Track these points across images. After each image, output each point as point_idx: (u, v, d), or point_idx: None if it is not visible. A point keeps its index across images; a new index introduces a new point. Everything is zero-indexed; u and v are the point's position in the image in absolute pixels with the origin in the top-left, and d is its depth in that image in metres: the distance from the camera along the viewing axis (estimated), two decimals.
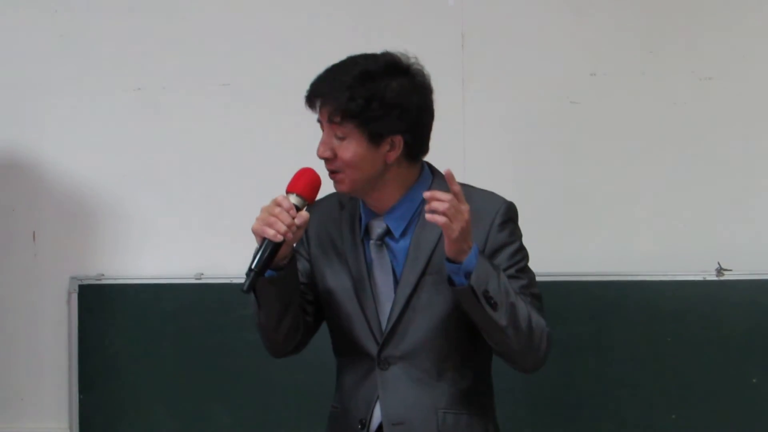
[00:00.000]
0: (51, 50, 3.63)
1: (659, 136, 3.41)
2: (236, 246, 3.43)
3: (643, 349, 3.27)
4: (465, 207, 2.15)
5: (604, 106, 3.43)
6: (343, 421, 2.36)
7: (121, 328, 3.52)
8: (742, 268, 3.24)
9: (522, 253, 2.33)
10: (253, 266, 2.19)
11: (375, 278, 2.32)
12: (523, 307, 2.24)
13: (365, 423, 2.31)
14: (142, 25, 3.60)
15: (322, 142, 2.27)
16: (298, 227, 2.22)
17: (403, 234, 2.32)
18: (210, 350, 3.46)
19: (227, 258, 3.47)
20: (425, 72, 2.32)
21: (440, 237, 2.23)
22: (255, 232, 2.21)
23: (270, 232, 2.19)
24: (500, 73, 3.47)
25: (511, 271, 2.29)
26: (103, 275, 3.57)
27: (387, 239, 2.33)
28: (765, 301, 3.22)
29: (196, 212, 3.57)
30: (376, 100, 2.22)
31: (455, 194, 2.15)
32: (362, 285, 2.32)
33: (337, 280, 2.36)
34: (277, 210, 2.20)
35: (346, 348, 2.37)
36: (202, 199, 3.57)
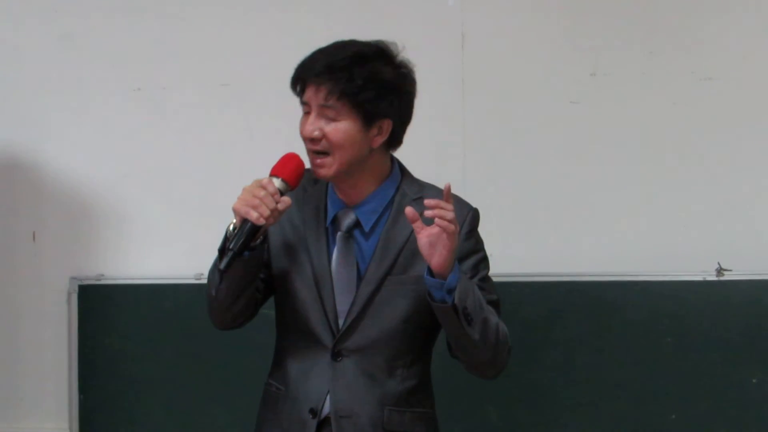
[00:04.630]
0: (51, 50, 3.63)
1: (659, 136, 3.40)
2: None
3: (643, 349, 3.26)
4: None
5: (604, 106, 3.43)
6: (290, 405, 2.34)
7: (121, 328, 3.52)
8: (742, 268, 3.23)
9: (485, 263, 2.36)
10: (231, 246, 2.20)
11: (337, 270, 2.31)
12: (493, 321, 2.26)
13: (316, 412, 2.30)
14: (142, 25, 3.60)
15: (311, 123, 2.26)
16: (280, 212, 2.22)
17: (372, 229, 2.31)
18: (210, 350, 3.45)
19: None
20: (412, 64, 2.31)
21: (409, 237, 2.26)
22: (236, 212, 2.21)
23: (254, 215, 2.19)
24: (500, 73, 3.46)
25: (475, 280, 2.30)
26: (103, 275, 3.57)
27: (355, 232, 2.32)
28: (765, 301, 3.22)
29: (196, 212, 3.56)
30: (374, 81, 2.22)
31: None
32: (323, 275, 2.31)
33: (296, 266, 2.34)
34: (262, 193, 2.21)
35: (298, 333, 2.35)
36: (201, 200, 3.57)
